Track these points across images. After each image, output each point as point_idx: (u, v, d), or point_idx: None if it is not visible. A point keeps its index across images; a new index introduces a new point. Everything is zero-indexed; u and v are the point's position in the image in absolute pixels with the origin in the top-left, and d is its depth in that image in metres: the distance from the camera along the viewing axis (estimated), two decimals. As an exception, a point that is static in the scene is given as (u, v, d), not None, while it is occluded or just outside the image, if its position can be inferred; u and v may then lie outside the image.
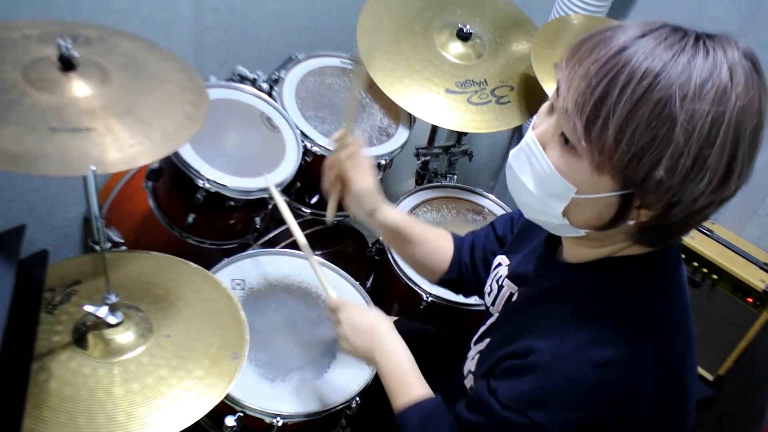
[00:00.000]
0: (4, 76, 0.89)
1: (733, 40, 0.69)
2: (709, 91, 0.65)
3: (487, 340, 0.96)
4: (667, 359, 0.79)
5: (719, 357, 1.74)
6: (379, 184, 1.13)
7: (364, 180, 1.10)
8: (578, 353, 0.76)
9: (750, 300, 1.65)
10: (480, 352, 0.96)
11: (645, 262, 0.80)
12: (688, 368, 0.82)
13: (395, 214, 1.16)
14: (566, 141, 0.72)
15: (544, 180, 0.75)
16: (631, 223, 0.73)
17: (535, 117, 0.79)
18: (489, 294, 1.04)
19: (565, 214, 0.77)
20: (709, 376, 1.75)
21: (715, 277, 1.69)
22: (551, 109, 0.76)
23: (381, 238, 1.19)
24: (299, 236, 1.19)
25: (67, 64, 0.91)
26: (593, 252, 0.82)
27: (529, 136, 0.77)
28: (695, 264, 1.70)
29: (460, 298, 1.40)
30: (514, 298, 0.97)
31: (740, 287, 1.66)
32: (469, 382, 0.96)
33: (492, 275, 1.06)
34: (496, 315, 0.98)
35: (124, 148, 0.88)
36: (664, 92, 0.65)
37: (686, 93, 0.64)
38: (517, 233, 1.08)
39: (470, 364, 0.97)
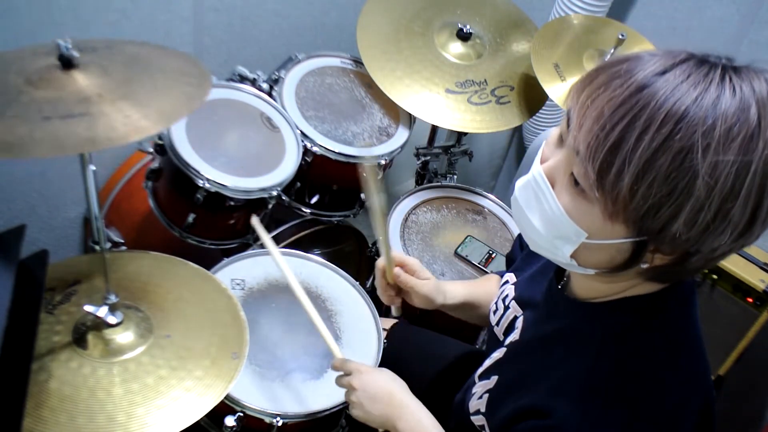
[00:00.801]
0: (7, 83, 0.89)
1: (761, 72, 0.64)
2: (735, 139, 0.59)
3: (494, 378, 0.91)
4: (696, 396, 0.76)
5: (719, 357, 1.74)
6: (434, 278, 1.15)
7: (425, 283, 1.11)
8: (605, 411, 0.73)
9: (750, 300, 1.65)
10: (488, 391, 0.91)
11: (661, 300, 0.76)
12: (712, 396, 0.79)
13: (460, 290, 1.15)
14: (577, 182, 0.67)
15: (553, 221, 0.71)
16: (645, 266, 0.70)
17: (543, 144, 0.75)
18: (495, 312, 1.02)
19: (573, 256, 0.73)
20: (709, 376, 1.75)
21: (715, 277, 1.69)
22: (560, 141, 0.71)
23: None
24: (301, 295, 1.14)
25: (66, 64, 0.91)
26: (604, 288, 0.78)
27: (537, 170, 0.72)
28: (695, 264, 1.70)
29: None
30: (518, 322, 0.94)
31: (740, 287, 1.66)
32: (479, 420, 0.92)
33: (499, 292, 1.04)
34: (502, 349, 0.94)
35: (118, 125, 0.86)
36: (686, 141, 0.59)
37: (710, 142, 0.59)
38: (527, 251, 1.05)
39: (478, 403, 0.92)
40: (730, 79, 0.62)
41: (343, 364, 1.06)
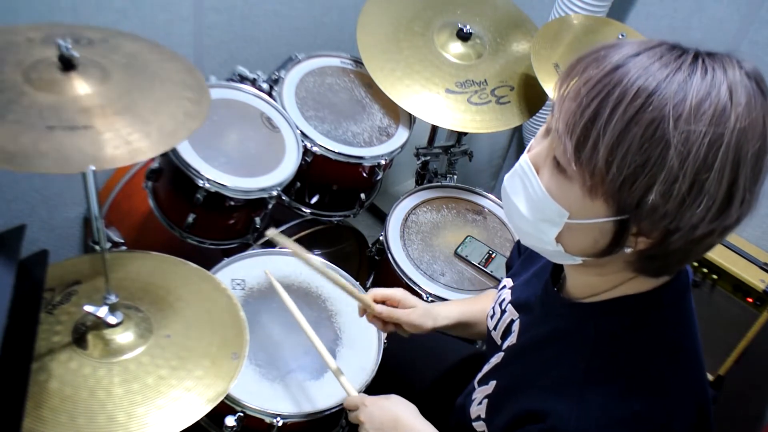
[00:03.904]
0: (5, 76, 0.89)
1: (736, 59, 0.65)
2: (706, 111, 0.61)
3: (493, 383, 0.92)
4: (692, 394, 0.77)
5: (719, 357, 1.74)
6: (422, 303, 1.15)
7: (410, 313, 1.12)
8: (600, 413, 0.73)
9: (750, 300, 1.65)
10: (487, 396, 0.92)
11: (655, 299, 0.76)
12: (708, 396, 0.79)
13: (453, 312, 1.16)
14: (559, 163, 0.70)
15: (537, 204, 0.73)
16: (629, 251, 0.70)
17: (532, 139, 0.77)
18: (492, 317, 1.02)
19: (559, 240, 0.74)
20: (709, 376, 1.75)
21: (715, 277, 1.69)
22: (547, 132, 0.74)
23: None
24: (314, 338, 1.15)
25: (67, 64, 0.91)
26: (596, 282, 0.79)
27: (524, 159, 0.75)
28: (695, 264, 1.70)
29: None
30: (515, 325, 0.94)
31: (740, 287, 1.66)
32: (480, 426, 0.92)
33: (497, 297, 1.04)
34: (500, 354, 0.95)
35: (121, 145, 0.87)
36: (657, 112, 0.62)
37: (681, 113, 0.61)
38: (524, 256, 1.06)
39: (478, 409, 0.93)
40: (703, 62, 0.64)
41: (351, 401, 1.06)
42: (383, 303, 1.14)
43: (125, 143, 0.88)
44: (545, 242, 0.76)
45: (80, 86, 0.91)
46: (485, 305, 1.16)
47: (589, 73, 0.66)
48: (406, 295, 1.14)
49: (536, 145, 0.75)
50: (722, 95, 0.62)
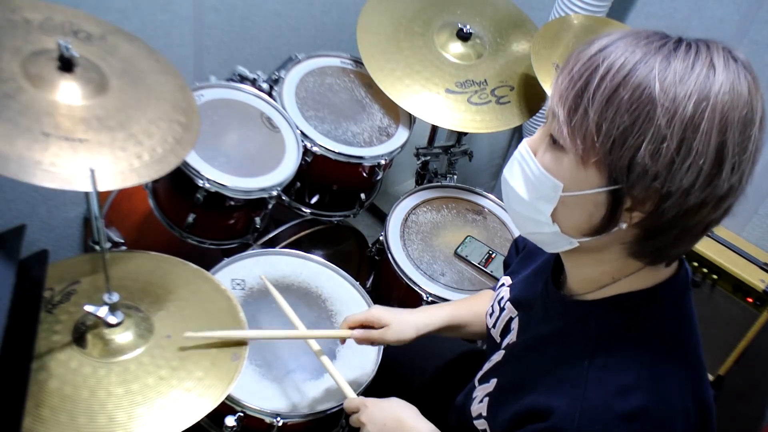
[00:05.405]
0: (3, 64, 0.89)
1: (721, 44, 0.68)
2: (691, 76, 0.65)
3: (494, 381, 0.92)
4: (693, 392, 0.77)
5: (719, 357, 1.74)
6: (400, 314, 1.14)
7: (385, 332, 1.12)
8: (603, 409, 0.73)
9: (750, 300, 1.65)
10: (488, 394, 0.92)
11: (654, 296, 0.77)
12: (709, 391, 0.80)
13: (439, 317, 1.16)
14: (554, 141, 0.73)
15: (533, 182, 0.75)
16: (624, 226, 0.71)
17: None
18: (491, 315, 1.03)
19: (555, 218, 0.75)
20: (709, 376, 1.75)
21: (715, 277, 1.69)
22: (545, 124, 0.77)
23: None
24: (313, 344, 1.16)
25: (66, 65, 0.92)
26: (595, 273, 0.79)
27: (522, 145, 0.78)
28: (695, 264, 1.71)
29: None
30: (514, 323, 0.95)
31: (740, 287, 1.66)
32: (481, 425, 0.93)
33: (495, 295, 1.04)
34: (501, 352, 0.95)
35: (112, 167, 0.88)
36: (643, 77, 0.65)
37: (666, 77, 0.65)
38: (523, 254, 1.07)
39: (480, 407, 0.93)
40: (688, 44, 0.68)
41: (351, 403, 1.06)
42: (361, 327, 1.14)
43: (116, 165, 0.89)
44: (542, 223, 0.76)
45: (78, 93, 0.91)
46: (476, 306, 1.16)
47: (579, 55, 0.70)
48: (380, 314, 1.13)
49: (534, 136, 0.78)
50: (705, 65, 0.65)
